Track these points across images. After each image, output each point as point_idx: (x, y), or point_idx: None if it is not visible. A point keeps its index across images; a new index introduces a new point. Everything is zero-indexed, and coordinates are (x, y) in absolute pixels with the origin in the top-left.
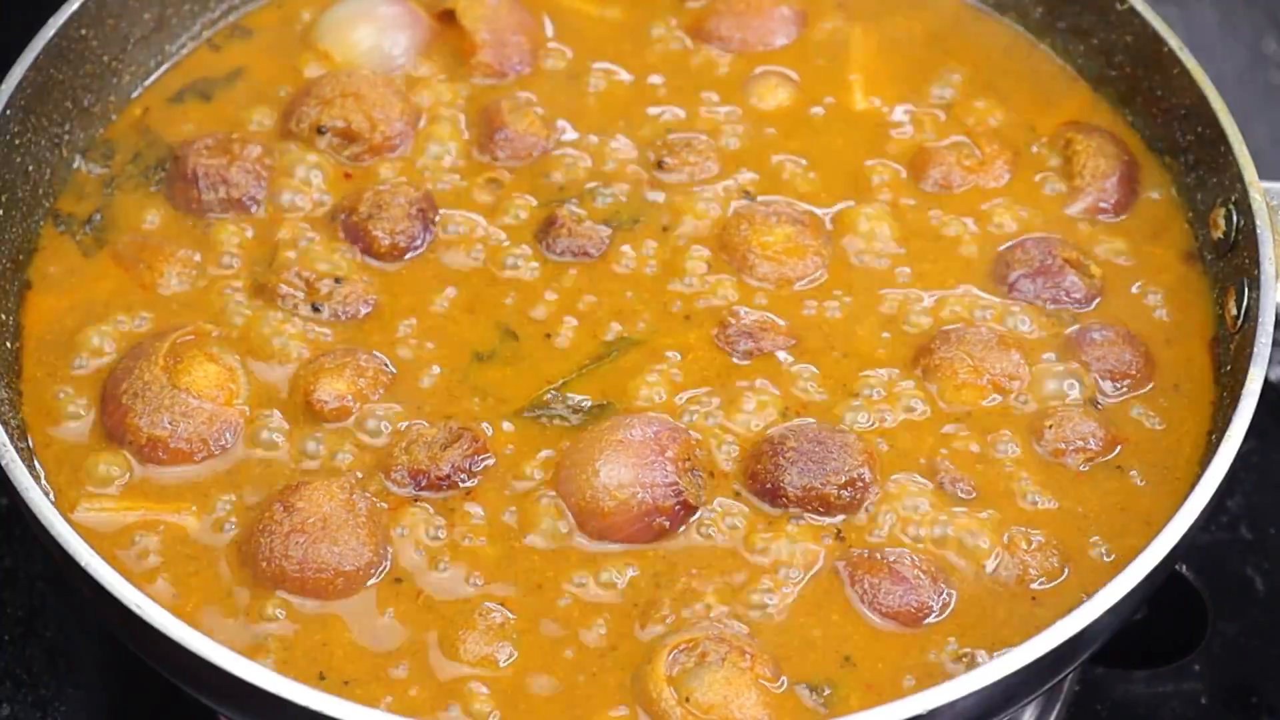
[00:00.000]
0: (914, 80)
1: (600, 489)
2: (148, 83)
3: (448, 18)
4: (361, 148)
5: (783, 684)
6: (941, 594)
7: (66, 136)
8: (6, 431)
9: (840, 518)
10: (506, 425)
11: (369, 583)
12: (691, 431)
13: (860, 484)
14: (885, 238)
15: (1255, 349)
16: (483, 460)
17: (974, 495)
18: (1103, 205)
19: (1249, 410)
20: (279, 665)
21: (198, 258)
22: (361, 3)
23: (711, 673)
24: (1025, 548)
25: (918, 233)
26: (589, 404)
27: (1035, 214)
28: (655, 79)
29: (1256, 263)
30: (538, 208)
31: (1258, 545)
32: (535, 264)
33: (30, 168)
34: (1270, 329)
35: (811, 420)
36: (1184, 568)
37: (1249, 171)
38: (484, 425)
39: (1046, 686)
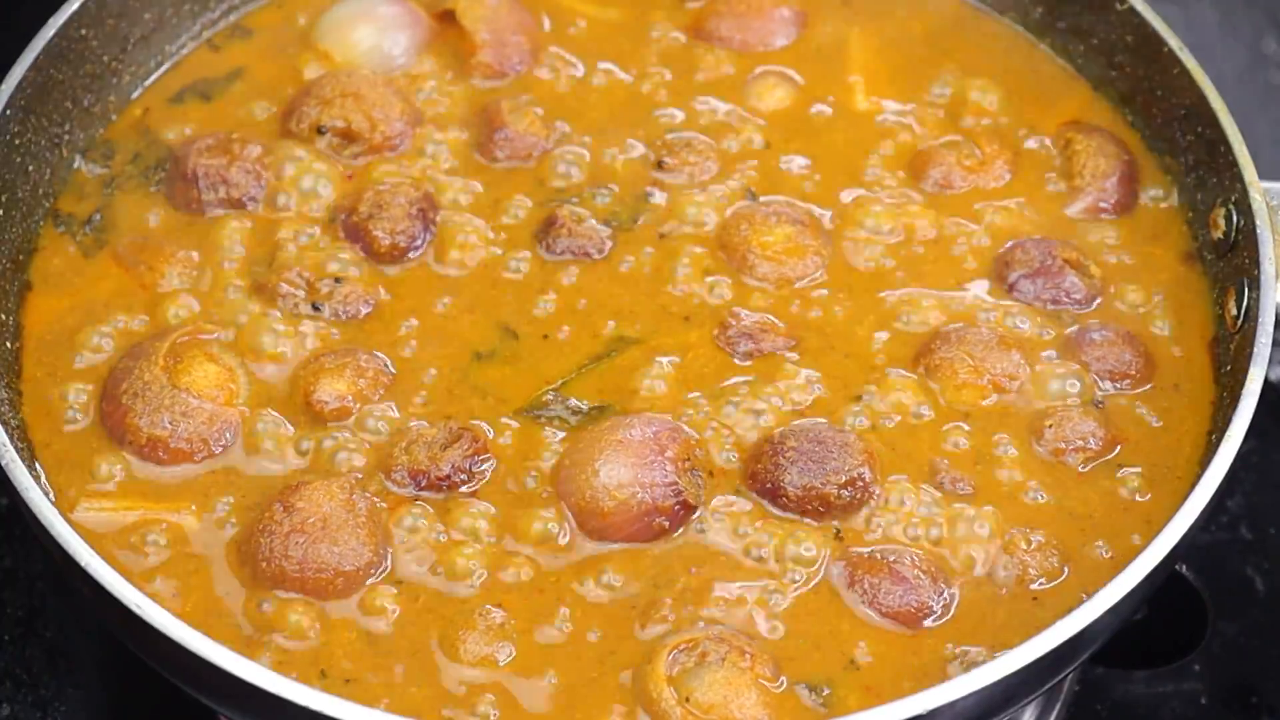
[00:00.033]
0: (914, 80)
1: (600, 489)
2: (148, 83)
3: (448, 18)
4: (361, 148)
5: (782, 684)
6: (941, 594)
7: (66, 136)
8: (6, 431)
9: (840, 518)
10: (507, 425)
11: (369, 582)
12: (691, 431)
13: (860, 484)
14: (885, 238)
15: (1255, 349)
16: (483, 460)
17: (974, 495)
18: (1103, 205)
19: (1249, 410)
20: (278, 665)
21: (197, 258)
22: (361, 3)
23: (711, 673)
24: (1025, 548)
25: (918, 233)
26: (589, 404)
27: (1035, 214)
28: (655, 79)
29: (1256, 263)
30: (537, 208)
31: (1258, 545)
32: (535, 264)
33: (30, 168)
34: (1270, 329)
35: (811, 420)
36: (1184, 568)
37: (1249, 171)
38: (484, 425)
39: (1046, 687)
